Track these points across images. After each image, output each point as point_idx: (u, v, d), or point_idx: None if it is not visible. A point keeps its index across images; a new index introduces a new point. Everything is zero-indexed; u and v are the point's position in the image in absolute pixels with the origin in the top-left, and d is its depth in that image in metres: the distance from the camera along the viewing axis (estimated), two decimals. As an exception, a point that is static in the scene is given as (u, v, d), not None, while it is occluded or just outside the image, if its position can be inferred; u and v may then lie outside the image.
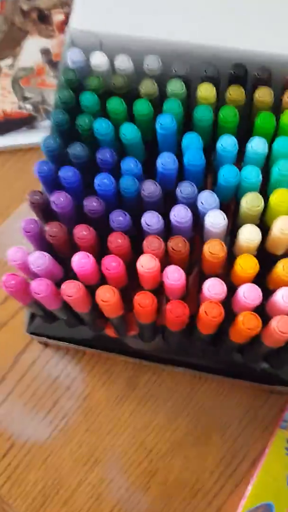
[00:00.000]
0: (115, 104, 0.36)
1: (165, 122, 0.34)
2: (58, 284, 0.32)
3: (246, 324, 0.29)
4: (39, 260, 0.31)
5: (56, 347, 0.45)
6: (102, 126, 0.35)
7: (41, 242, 0.34)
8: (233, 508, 0.39)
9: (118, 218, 0.33)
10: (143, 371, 0.44)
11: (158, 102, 0.37)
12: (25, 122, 0.54)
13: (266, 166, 0.35)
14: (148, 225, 0.32)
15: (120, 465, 0.41)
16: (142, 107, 0.36)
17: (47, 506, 0.41)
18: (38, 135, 0.53)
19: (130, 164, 0.34)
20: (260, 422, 0.41)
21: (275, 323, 0.29)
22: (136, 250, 0.33)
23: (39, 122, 0.54)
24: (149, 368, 0.44)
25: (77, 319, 0.39)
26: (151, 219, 0.32)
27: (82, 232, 0.32)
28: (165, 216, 0.33)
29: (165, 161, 0.33)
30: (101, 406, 0.43)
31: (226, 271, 0.33)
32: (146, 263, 0.31)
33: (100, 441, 0.42)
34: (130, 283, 0.34)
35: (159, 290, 0.33)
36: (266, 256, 0.33)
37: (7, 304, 0.46)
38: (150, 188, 0.33)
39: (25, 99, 0.55)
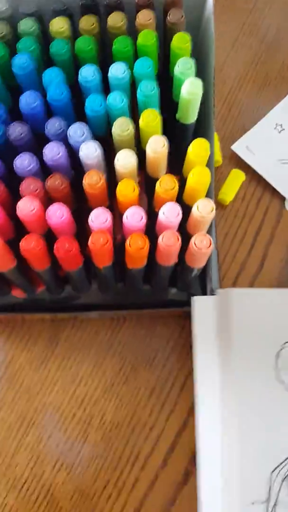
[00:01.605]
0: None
1: (21, 62, 0.33)
2: None
3: (133, 245, 0.29)
4: None
5: None
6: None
7: None
8: (171, 433, 0.40)
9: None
10: (61, 328, 0.43)
11: (13, 46, 0.35)
12: None
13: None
14: (19, 168, 0.31)
15: (55, 421, 0.41)
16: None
17: (-12, 480, 0.40)
18: None
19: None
20: (182, 347, 0.42)
21: (161, 240, 0.29)
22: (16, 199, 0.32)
23: None
24: (66, 323, 0.43)
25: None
26: (22, 162, 0.31)
27: None
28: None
29: (27, 100, 0.32)
30: (25, 370, 0.42)
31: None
32: (24, 206, 0.30)
33: (31, 403, 0.41)
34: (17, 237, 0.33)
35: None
36: (148, 181, 0.34)
37: None
38: (16, 130, 0.32)
39: None
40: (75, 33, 0.36)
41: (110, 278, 0.36)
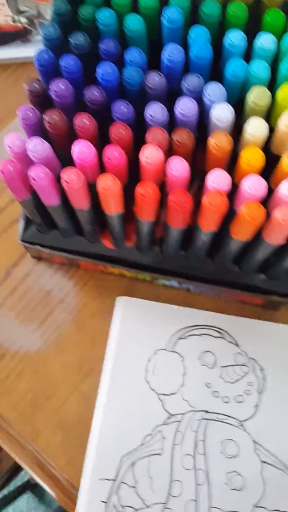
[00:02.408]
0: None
1: (172, 15, 0.33)
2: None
3: (250, 213, 0.29)
4: (38, 146, 0.30)
5: (50, 262, 0.44)
6: (105, 16, 0.33)
7: (38, 135, 0.33)
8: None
9: (121, 108, 0.31)
10: (137, 287, 0.44)
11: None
12: (19, 36, 0.51)
13: (273, 66, 0.34)
14: (152, 117, 0.31)
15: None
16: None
17: (37, 415, 0.41)
18: (32, 50, 0.51)
19: (134, 54, 0.32)
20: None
21: (279, 214, 0.29)
22: (137, 147, 0.32)
23: (34, 36, 0.51)
24: (142, 283, 0.43)
25: (73, 227, 0.38)
26: (154, 110, 0.31)
27: (83, 120, 0.31)
28: (169, 112, 0.32)
29: (172, 52, 0.32)
30: (94, 319, 0.43)
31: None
32: (150, 155, 0.30)
33: (93, 352, 0.42)
34: (131, 184, 0.33)
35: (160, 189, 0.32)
36: (270, 158, 0.33)
37: (0, 218, 0.45)
38: (155, 80, 0.32)
39: (19, 12, 0.52)
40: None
41: (206, 245, 0.36)
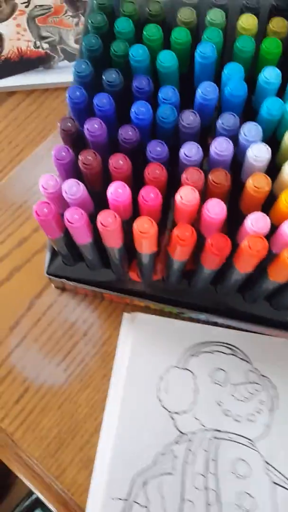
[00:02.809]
0: (152, 31, 0.34)
1: (206, 51, 0.33)
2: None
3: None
4: (74, 188, 0.30)
5: (74, 293, 0.44)
6: (138, 52, 0.33)
7: (72, 173, 0.32)
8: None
9: (156, 148, 0.31)
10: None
11: (195, 33, 0.35)
12: (41, 62, 0.51)
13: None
14: (187, 156, 0.31)
15: (138, 412, 0.41)
16: (180, 35, 0.34)
17: (62, 452, 0.40)
18: (54, 76, 0.51)
19: (168, 93, 0.32)
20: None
21: None
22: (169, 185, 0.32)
23: (56, 62, 0.51)
24: (168, 316, 0.43)
25: (101, 260, 0.38)
26: (190, 150, 0.31)
27: (119, 161, 0.30)
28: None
29: (206, 90, 0.32)
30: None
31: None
32: (186, 195, 0.29)
33: (118, 387, 0.41)
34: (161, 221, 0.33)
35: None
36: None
37: (23, 247, 0.45)
38: (190, 119, 0.31)
39: (41, 38, 0.52)
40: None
41: (239, 283, 0.35)
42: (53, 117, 0.50)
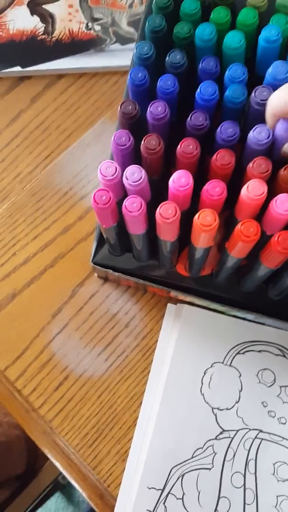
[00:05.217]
0: (220, 13, 0.32)
1: (271, 34, 0.31)
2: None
3: None
4: (136, 174, 0.29)
5: (116, 283, 0.43)
6: (206, 31, 0.31)
7: (130, 160, 0.31)
8: None
9: (228, 129, 0.29)
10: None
11: (264, 17, 0.33)
12: (92, 44, 0.50)
13: None
14: (258, 140, 0.29)
15: (178, 408, 0.40)
16: (247, 16, 0.32)
17: (100, 443, 0.40)
18: (106, 60, 0.49)
19: (237, 71, 0.30)
20: None
21: None
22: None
23: (108, 45, 0.50)
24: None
25: (149, 252, 0.37)
26: (258, 133, 0.29)
27: (189, 147, 0.29)
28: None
29: (276, 70, 0.30)
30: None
31: None
32: (253, 189, 0.28)
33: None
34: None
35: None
36: None
37: (67, 235, 0.44)
38: (263, 94, 0.30)
39: (93, 19, 0.51)
40: None
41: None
42: (101, 102, 0.49)
